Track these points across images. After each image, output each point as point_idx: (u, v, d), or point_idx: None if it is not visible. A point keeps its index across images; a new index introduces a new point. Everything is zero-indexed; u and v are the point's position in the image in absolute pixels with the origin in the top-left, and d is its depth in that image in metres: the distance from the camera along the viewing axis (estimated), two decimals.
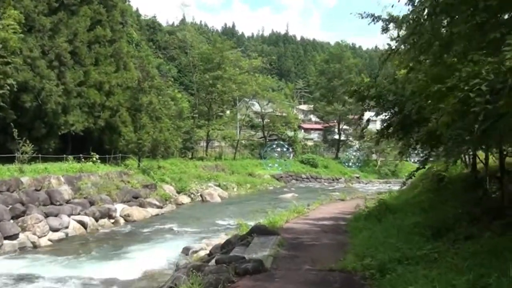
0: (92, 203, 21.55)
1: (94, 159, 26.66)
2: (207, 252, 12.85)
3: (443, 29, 7.41)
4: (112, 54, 30.60)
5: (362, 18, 10.07)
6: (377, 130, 12.03)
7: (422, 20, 7.11)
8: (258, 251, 8.28)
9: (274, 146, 52.29)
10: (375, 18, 9.84)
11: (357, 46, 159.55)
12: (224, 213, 24.45)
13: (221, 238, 15.31)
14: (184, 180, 31.56)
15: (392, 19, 9.98)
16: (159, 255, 14.33)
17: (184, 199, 29.11)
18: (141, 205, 24.60)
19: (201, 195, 30.50)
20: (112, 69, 30.01)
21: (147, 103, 30.96)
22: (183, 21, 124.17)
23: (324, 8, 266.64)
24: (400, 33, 9.84)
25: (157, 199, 26.22)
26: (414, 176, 10.45)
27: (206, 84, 47.47)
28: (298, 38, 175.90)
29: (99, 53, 29.14)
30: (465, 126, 6.32)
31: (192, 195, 30.40)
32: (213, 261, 8.75)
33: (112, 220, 21.44)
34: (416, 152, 13.50)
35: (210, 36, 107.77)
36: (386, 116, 10.98)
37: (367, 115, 14.26)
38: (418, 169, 10.02)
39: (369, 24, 11.55)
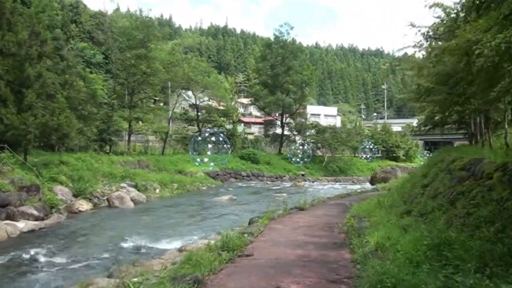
0: None
1: None
2: None
3: None
4: None
5: None
6: None
7: None
8: None
9: (207, 135, 44.47)
10: None
11: (297, 42, 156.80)
12: (132, 227, 17.19)
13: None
14: (86, 180, 23.87)
15: None
16: None
17: (83, 205, 21.45)
18: (10, 217, 16.90)
19: (108, 199, 22.97)
20: None
21: (35, 76, 23.04)
22: (117, 10, 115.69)
23: (267, 8, 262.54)
24: None
25: (38, 207, 18.48)
26: None
27: (128, 64, 39.60)
28: (238, 31, 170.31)
29: None
30: None
31: (96, 199, 22.88)
32: None
33: None
34: None
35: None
36: None
37: None
38: None
39: None
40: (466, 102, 10.89)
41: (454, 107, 11.81)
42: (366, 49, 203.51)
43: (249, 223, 12.43)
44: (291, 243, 8.81)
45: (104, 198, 23.23)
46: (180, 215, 19.94)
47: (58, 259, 12.39)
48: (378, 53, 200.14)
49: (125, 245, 14.05)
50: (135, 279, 9.32)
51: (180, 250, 11.93)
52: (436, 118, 14.71)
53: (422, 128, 20.98)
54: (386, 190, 26.17)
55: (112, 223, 18.38)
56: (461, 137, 54.32)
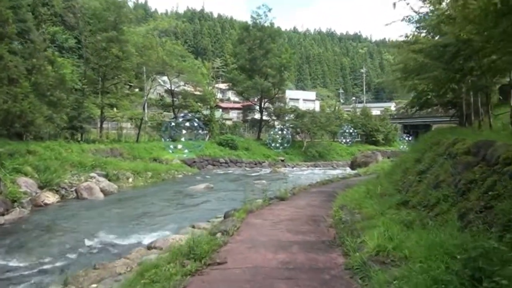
0: None
1: None
2: None
3: None
4: None
5: None
6: None
7: None
8: None
9: (181, 121, 42.73)
10: None
11: (275, 26, 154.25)
12: (99, 221, 15.93)
13: None
14: (53, 170, 22.34)
15: None
16: None
17: (49, 197, 19.99)
18: None
19: (76, 191, 21.56)
20: None
21: None
22: None
23: None
24: None
25: None
26: None
27: (99, 48, 37.74)
28: (215, 16, 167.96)
29: None
30: None
31: (63, 191, 21.43)
32: None
33: None
34: None
35: None
36: None
37: None
38: None
39: None
40: (463, 79, 9.89)
41: (449, 84, 10.81)
42: (344, 33, 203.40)
43: (224, 217, 11.18)
44: (273, 243, 7.53)
45: (72, 189, 21.79)
46: (152, 206, 18.74)
47: (13, 262, 11.09)
48: (356, 38, 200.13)
49: (89, 242, 12.79)
50: (94, 285, 8.19)
51: (148, 247, 10.79)
52: (429, 97, 13.71)
53: (409, 110, 20.04)
54: (368, 175, 25.33)
55: (78, 216, 17.06)
56: (441, 120, 54.13)
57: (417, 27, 13.23)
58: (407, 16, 12.43)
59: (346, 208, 9.85)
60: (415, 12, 12.38)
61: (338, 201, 11.64)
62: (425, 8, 12.08)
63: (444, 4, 11.36)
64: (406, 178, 10.03)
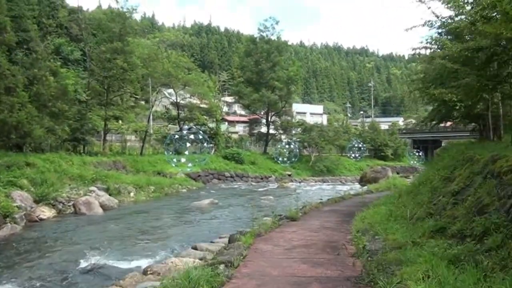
0: None
1: None
2: None
3: None
4: None
5: None
6: None
7: None
8: None
9: (185, 133, 41.52)
10: None
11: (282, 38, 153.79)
12: (95, 239, 14.82)
13: None
14: (51, 183, 21.39)
15: None
16: None
17: (44, 212, 19.00)
18: None
19: (74, 205, 20.52)
20: None
21: None
22: (98, 7, 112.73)
23: (252, 6, 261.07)
24: None
25: None
26: None
27: (103, 59, 36.94)
28: (222, 29, 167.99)
29: None
30: None
31: (60, 205, 20.41)
32: None
33: None
34: None
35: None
36: None
37: None
38: None
39: None
40: (496, 87, 8.81)
41: (481, 93, 9.72)
42: (351, 47, 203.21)
43: (229, 241, 9.98)
44: (286, 279, 6.15)
45: (70, 204, 20.75)
46: (152, 223, 17.66)
47: None
48: (363, 52, 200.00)
49: (82, 263, 11.69)
50: None
51: (144, 271, 9.70)
52: (457, 107, 12.59)
53: (428, 123, 18.98)
54: (380, 192, 24.16)
55: (74, 234, 15.99)
56: (451, 135, 52.87)
57: (439, 33, 12.22)
58: (428, 21, 11.44)
59: (368, 232, 8.66)
60: (437, 16, 11.41)
61: (356, 223, 10.42)
62: (448, 12, 11.11)
63: (468, 7, 10.40)
64: (436, 199, 8.76)
